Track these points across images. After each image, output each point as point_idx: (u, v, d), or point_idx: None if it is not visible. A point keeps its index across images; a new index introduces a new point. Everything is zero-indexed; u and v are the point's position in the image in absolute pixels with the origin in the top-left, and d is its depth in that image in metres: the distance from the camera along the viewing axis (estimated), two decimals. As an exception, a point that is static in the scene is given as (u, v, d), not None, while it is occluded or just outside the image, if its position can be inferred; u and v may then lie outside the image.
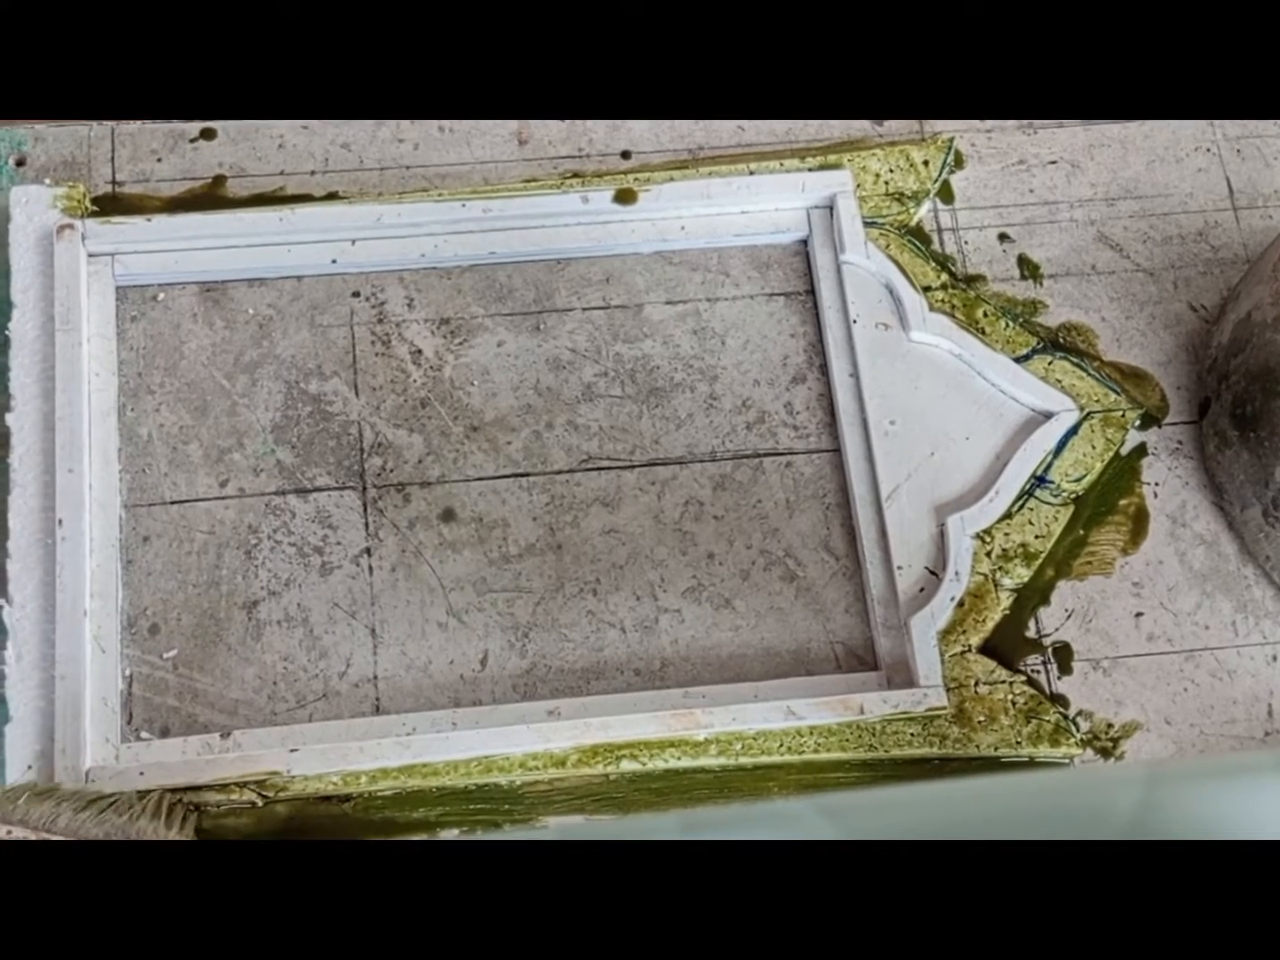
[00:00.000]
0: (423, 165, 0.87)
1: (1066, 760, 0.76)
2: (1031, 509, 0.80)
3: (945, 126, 0.89)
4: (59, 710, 0.72)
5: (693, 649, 0.78)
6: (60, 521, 0.75)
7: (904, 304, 0.83)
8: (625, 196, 0.84)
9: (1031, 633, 0.79)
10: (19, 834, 0.63)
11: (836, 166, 0.86)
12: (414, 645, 0.77)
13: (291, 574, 0.78)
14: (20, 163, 0.85)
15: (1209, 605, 0.80)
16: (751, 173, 0.86)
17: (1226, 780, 0.49)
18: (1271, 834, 0.47)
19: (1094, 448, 0.82)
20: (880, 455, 0.80)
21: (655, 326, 0.84)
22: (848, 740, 0.75)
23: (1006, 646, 0.78)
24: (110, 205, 0.84)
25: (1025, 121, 0.90)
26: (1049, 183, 0.89)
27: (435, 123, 0.88)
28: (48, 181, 0.84)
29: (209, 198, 0.85)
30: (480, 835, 0.72)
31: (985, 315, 0.84)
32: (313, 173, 0.86)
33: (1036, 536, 0.80)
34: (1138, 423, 0.83)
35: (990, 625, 0.78)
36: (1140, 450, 0.83)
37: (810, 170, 0.86)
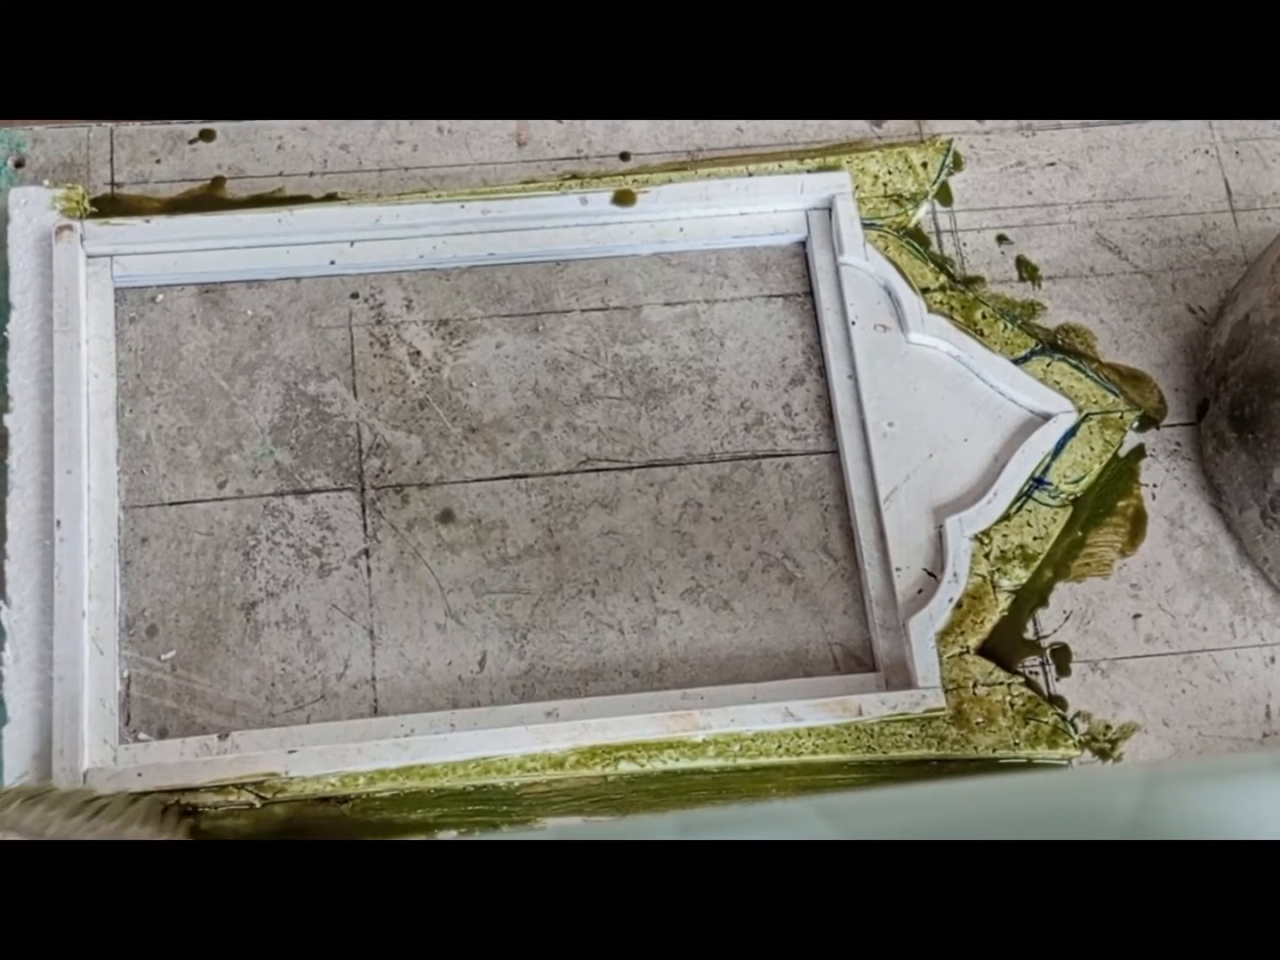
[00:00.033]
0: (421, 166, 0.87)
1: (1065, 761, 0.76)
2: (1030, 510, 0.80)
3: (944, 128, 0.89)
4: (57, 711, 0.72)
5: (691, 650, 0.78)
6: (58, 523, 0.75)
7: (902, 306, 0.83)
8: (624, 198, 0.84)
9: (1030, 634, 0.79)
10: (12, 837, 0.63)
11: (835, 168, 0.87)
12: (412, 646, 0.77)
13: (290, 575, 0.78)
14: (19, 164, 0.85)
15: (1207, 607, 0.80)
16: (750, 174, 0.86)
17: (1224, 781, 0.49)
18: (1269, 834, 0.47)
19: (1092, 449, 0.82)
20: (879, 457, 0.80)
21: (654, 328, 0.84)
22: (846, 741, 0.75)
23: (1005, 648, 0.78)
24: (109, 206, 0.84)
25: (1024, 123, 0.90)
26: (1047, 184, 0.89)
27: (434, 124, 0.88)
28: (46, 183, 0.84)
29: (208, 199, 0.85)
30: (478, 836, 0.72)
31: (984, 317, 0.84)
32: (311, 174, 0.86)
33: (1035, 538, 0.80)
34: (1136, 424, 0.83)
35: (988, 627, 0.78)
36: (1138, 452, 0.83)
37: (809, 172, 0.86)
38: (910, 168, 0.87)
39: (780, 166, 0.87)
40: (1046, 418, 0.82)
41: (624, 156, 0.88)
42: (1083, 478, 0.81)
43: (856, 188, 0.86)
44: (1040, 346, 0.84)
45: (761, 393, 0.83)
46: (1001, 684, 0.77)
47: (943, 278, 0.85)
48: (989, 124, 0.90)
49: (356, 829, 0.73)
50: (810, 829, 0.47)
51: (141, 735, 0.75)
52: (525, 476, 0.81)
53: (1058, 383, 0.83)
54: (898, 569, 0.78)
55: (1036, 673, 0.78)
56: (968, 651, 0.77)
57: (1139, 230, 0.88)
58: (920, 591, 0.78)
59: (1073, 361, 0.84)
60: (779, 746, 0.75)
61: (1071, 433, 0.82)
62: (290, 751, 0.73)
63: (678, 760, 0.74)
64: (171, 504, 0.79)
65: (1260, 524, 0.79)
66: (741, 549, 0.80)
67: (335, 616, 0.78)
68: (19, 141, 0.85)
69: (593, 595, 0.79)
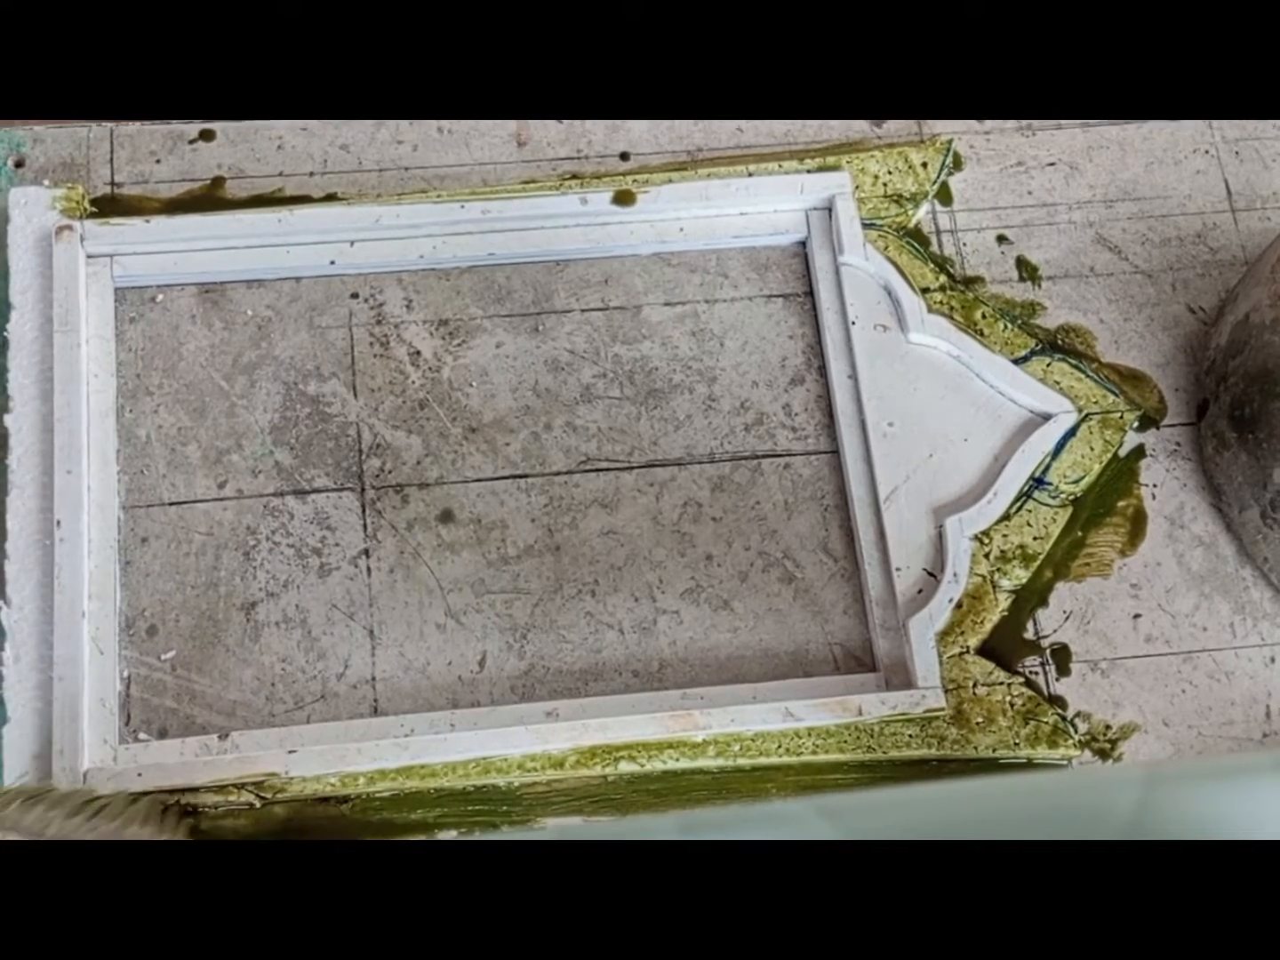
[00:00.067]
0: (421, 166, 0.87)
1: (1065, 761, 0.76)
2: (1030, 510, 0.80)
3: (944, 128, 0.89)
4: (57, 711, 0.72)
5: (691, 650, 0.78)
6: (58, 523, 0.75)
7: (902, 305, 0.83)
8: (624, 198, 0.84)
9: (1030, 634, 0.79)
10: (12, 837, 0.63)
11: (835, 168, 0.86)
12: (412, 646, 0.77)
13: (290, 575, 0.78)
14: (19, 164, 0.85)
15: (1207, 607, 0.80)
16: (750, 174, 0.86)
17: (1224, 781, 0.49)
18: (1269, 834, 0.47)
19: (1092, 449, 0.82)
20: (879, 457, 0.80)
21: (654, 328, 0.84)
22: (846, 741, 0.75)
23: (1005, 648, 0.78)
24: (109, 206, 0.84)
25: (1024, 123, 0.90)
26: (1047, 184, 0.89)
27: (434, 124, 0.88)
28: (46, 183, 0.84)
29: (208, 199, 0.85)
30: (478, 836, 0.72)
31: (984, 317, 0.84)
32: (311, 174, 0.86)
33: (1035, 538, 0.80)
34: (1136, 424, 0.83)
35: (988, 627, 0.78)
36: (1138, 452, 0.83)
37: (809, 172, 0.86)
38: (910, 168, 0.87)
39: (780, 166, 0.87)
40: (1046, 418, 0.82)
41: (624, 156, 0.88)
42: (1083, 478, 0.81)
43: (856, 188, 0.86)
44: (1040, 346, 0.84)
45: (761, 393, 0.83)
46: (1001, 684, 0.77)
47: (943, 278, 0.85)
48: (989, 124, 0.90)
49: (356, 829, 0.73)
50: (810, 829, 0.47)
51: (141, 735, 0.75)
52: (525, 476, 0.81)
53: (1058, 383, 0.83)
54: (898, 569, 0.78)
55: (1036, 673, 0.78)
56: (968, 651, 0.77)
57: (1139, 230, 0.88)
58: (920, 591, 0.78)
59: (1073, 361, 0.84)
60: (779, 746, 0.75)
61: (1071, 433, 0.82)
62: (290, 751, 0.73)
63: (678, 760, 0.74)
64: (171, 504, 0.79)
65: (1260, 524, 0.79)
66: (741, 549, 0.80)
67: (335, 616, 0.78)
68: (19, 141, 0.85)
69: (593, 595, 0.79)
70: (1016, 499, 0.80)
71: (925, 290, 0.84)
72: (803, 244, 0.86)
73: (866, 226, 0.85)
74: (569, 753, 0.74)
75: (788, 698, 0.75)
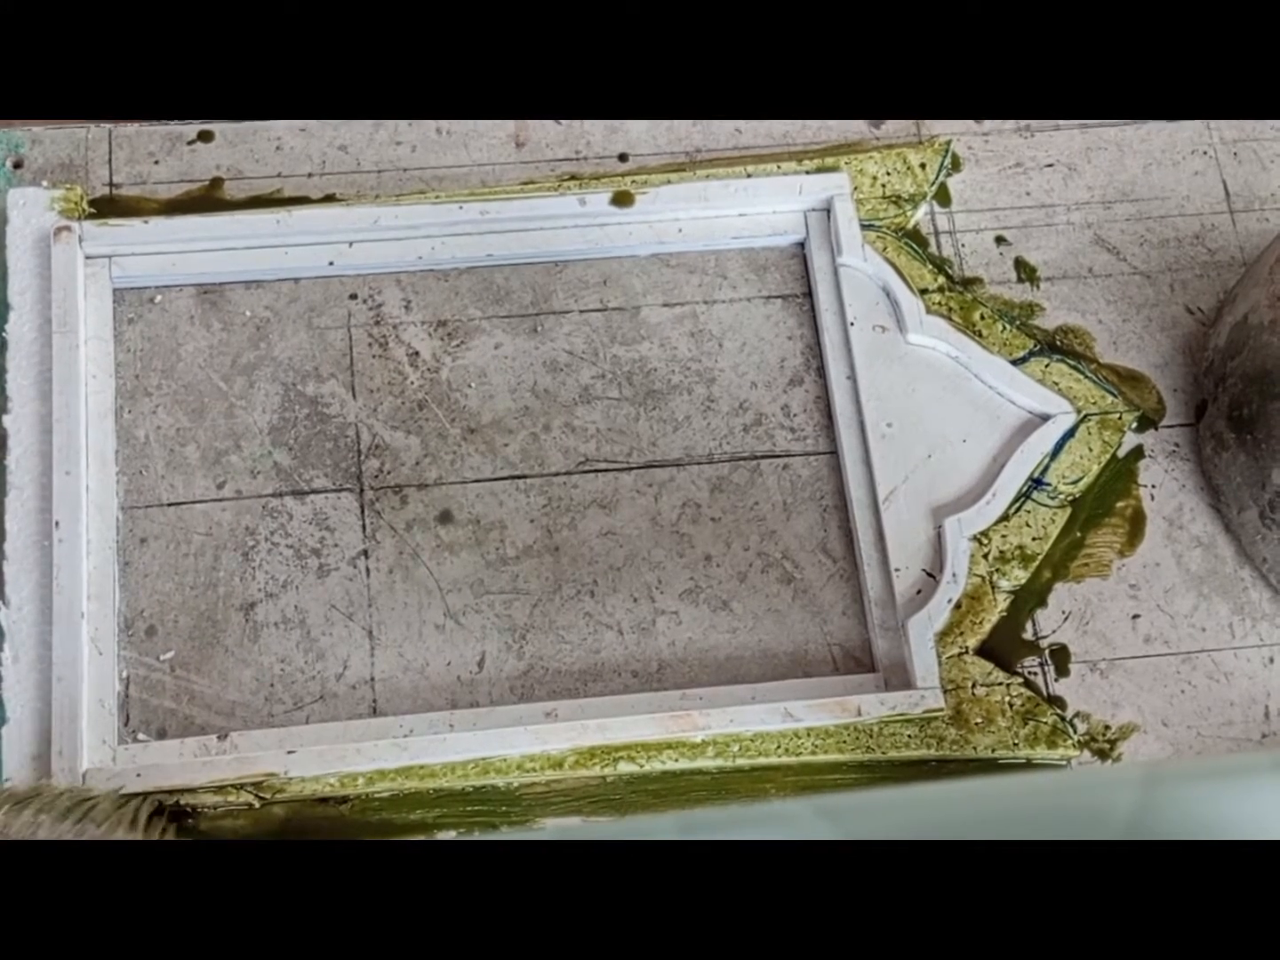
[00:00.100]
0: (420, 167, 0.87)
1: (1064, 762, 0.76)
2: (1029, 511, 0.80)
3: (942, 129, 0.89)
4: (56, 712, 0.72)
5: (690, 651, 0.78)
6: (57, 523, 0.75)
7: (901, 306, 0.83)
8: (622, 199, 0.84)
9: (1029, 635, 0.79)
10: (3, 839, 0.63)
11: (833, 169, 0.87)
12: (411, 647, 0.77)
13: (289, 576, 0.78)
14: (17, 165, 0.85)
15: (1206, 607, 0.80)
16: (749, 175, 0.86)
17: (1223, 781, 0.49)
18: (1268, 835, 0.47)
19: (1091, 450, 0.82)
20: (877, 457, 0.80)
21: (652, 329, 0.84)
22: (845, 742, 0.75)
23: (1004, 648, 0.78)
24: (107, 207, 0.84)
25: (1022, 124, 0.90)
26: (1046, 186, 0.89)
27: (433, 125, 0.88)
28: (45, 183, 0.84)
29: (206, 200, 0.85)
30: (478, 836, 0.72)
31: (982, 318, 0.84)
32: (310, 175, 0.86)
33: (1034, 539, 0.80)
34: (1134, 425, 0.83)
35: (987, 627, 0.78)
36: (1137, 453, 0.83)
37: (807, 173, 0.86)
38: (909, 169, 0.87)
39: (779, 167, 0.87)
40: (1045, 418, 0.82)
41: (622, 157, 0.88)
42: (1081, 478, 0.81)
43: (855, 189, 0.86)
44: (1039, 347, 0.84)
45: (760, 393, 0.84)
46: (1000, 684, 0.77)
47: (941, 279, 0.85)
48: (987, 125, 0.90)
49: (356, 829, 0.73)
50: (809, 829, 0.47)
51: (140, 736, 0.75)
52: (524, 477, 0.81)
53: (1056, 383, 0.83)
54: (897, 570, 0.78)
55: (1035, 673, 0.78)
56: (967, 652, 0.77)
57: (1137, 231, 0.88)
58: (919, 592, 0.78)
59: (1071, 362, 0.84)
60: (778, 747, 0.75)
61: (1070, 433, 0.82)
62: (289, 752, 0.73)
63: (677, 761, 0.74)
64: (170, 505, 0.79)
65: (1259, 524, 0.79)
66: (740, 550, 0.80)
67: (334, 617, 0.78)
68: (17, 142, 0.85)
69: (592, 596, 0.79)
70: (1015, 500, 0.80)
71: (924, 291, 0.84)
72: (801, 245, 0.86)
73: (865, 227, 0.85)
74: (568, 753, 0.74)
75: (787, 698, 0.75)
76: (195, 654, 0.77)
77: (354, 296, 0.84)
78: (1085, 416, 0.82)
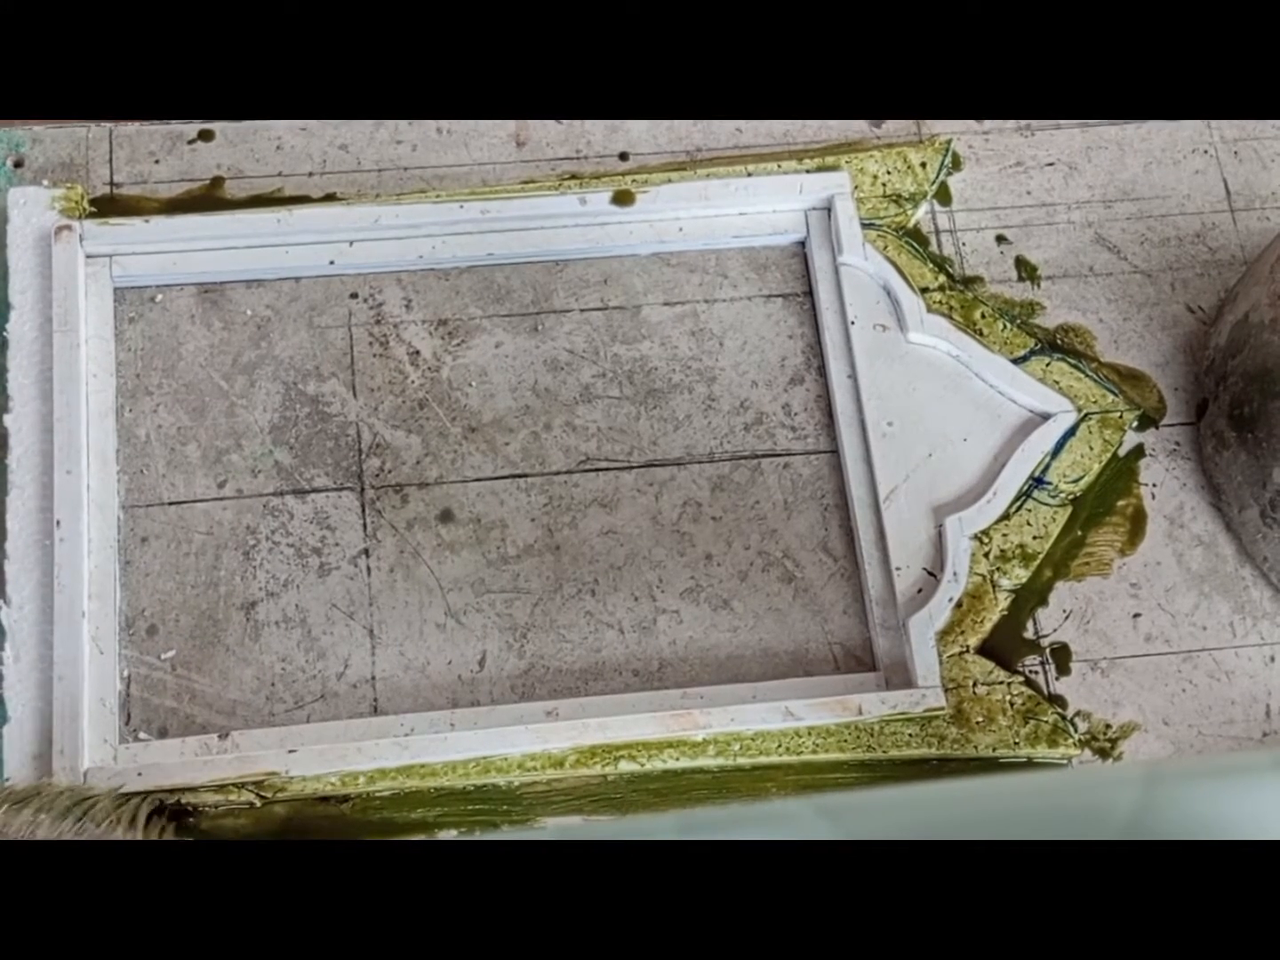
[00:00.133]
0: (420, 167, 0.87)
1: (1064, 761, 0.76)
2: (1029, 510, 0.80)
3: (943, 128, 0.89)
4: (57, 711, 0.72)
5: (691, 650, 0.78)
6: (58, 523, 0.75)
7: (902, 305, 0.83)
8: (623, 198, 0.84)
9: (1029, 633, 0.79)
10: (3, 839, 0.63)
11: (834, 168, 0.87)
12: (412, 646, 0.77)
13: (290, 575, 0.78)
14: (18, 164, 0.85)
15: (1207, 606, 0.80)
16: (749, 174, 0.86)
17: (1224, 780, 0.49)
18: (1269, 834, 0.47)
19: (1092, 449, 0.82)
20: (878, 456, 0.80)
21: (653, 328, 0.84)
22: (846, 741, 0.75)
23: (1004, 647, 0.78)
24: (108, 207, 0.84)
25: (1022, 123, 0.90)
26: (1046, 184, 0.89)
27: (433, 124, 0.88)
28: (46, 183, 0.84)
29: (207, 199, 0.85)
30: (478, 836, 0.72)
31: (983, 317, 0.84)
32: (311, 174, 0.86)
33: (1034, 537, 0.80)
34: (1135, 424, 0.83)
35: (988, 626, 0.78)
36: (1138, 451, 0.83)
37: (808, 172, 0.86)
38: (909, 168, 0.87)
39: (779, 167, 0.87)
40: (1046, 417, 0.82)
41: (623, 157, 0.88)
42: (1082, 477, 0.81)
43: (855, 188, 0.86)
44: (1039, 346, 0.84)
45: (761, 392, 0.84)
46: (1001, 683, 0.77)
47: (942, 277, 0.85)
48: (988, 124, 0.90)
49: (356, 829, 0.73)
50: (810, 829, 0.47)
51: (141, 735, 0.75)
52: (525, 476, 0.81)
53: (1057, 382, 0.83)
54: (897, 568, 0.78)
55: (1036, 672, 0.78)
56: (967, 651, 0.77)
57: (1138, 230, 0.88)
58: (920, 591, 0.78)
59: (1072, 361, 0.84)
60: (779, 746, 0.75)
61: (1071, 432, 0.82)
62: (290, 751, 0.73)
63: (678, 760, 0.74)
64: (171, 504, 0.79)
65: (1260, 523, 0.79)
66: (741, 548, 0.80)
67: (335, 616, 0.78)
68: (18, 141, 0.85)
69: (592, 595, 0.79)
70: (1016, 498, 0.80)
71: (924, 290, 0.84)
72: (802, 244, 0.86)
73: (865, 226, 0.85)
74: (569, 752, 0.74)
75: (787, 697, 0.75)
76: (196, 653, 0.77)
77: (355, 295, 0.84)
78: (1086, 415, 0.82)
